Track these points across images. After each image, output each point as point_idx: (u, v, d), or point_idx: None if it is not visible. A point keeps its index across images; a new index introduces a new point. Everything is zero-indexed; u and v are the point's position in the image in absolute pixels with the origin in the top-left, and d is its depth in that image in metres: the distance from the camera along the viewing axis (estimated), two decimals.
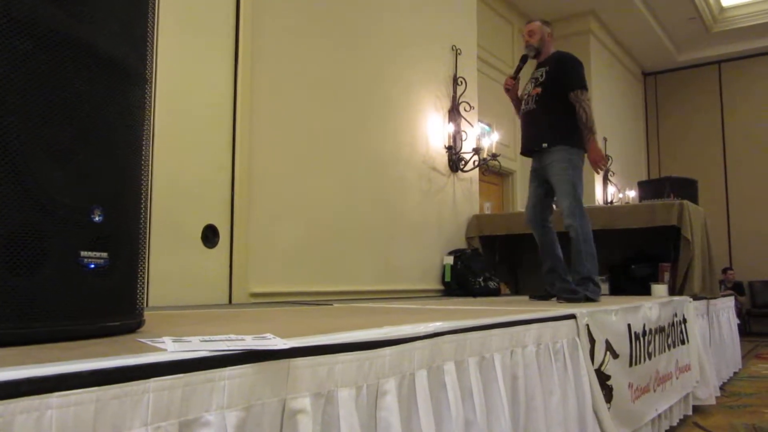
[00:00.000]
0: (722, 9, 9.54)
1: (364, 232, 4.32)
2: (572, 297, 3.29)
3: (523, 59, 3.69)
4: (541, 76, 3.57)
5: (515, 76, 3.66)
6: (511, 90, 3.71)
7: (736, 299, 6.68)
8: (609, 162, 3.78)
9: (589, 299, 3.26)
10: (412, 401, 1.36)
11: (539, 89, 3.54)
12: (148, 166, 1.39)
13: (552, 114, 3.50)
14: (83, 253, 1.14)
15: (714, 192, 10.04)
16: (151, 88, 1.38)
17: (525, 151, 3.70)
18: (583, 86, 3.46)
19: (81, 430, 0.76)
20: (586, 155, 3.49)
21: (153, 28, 1.36)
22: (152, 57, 1.36)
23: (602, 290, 4.75)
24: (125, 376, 0.83)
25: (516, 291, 5.52)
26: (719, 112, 10.62)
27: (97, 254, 1.17)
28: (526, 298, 3.97)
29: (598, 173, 3.64)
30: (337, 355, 1.17)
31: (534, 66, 3.73)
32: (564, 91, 3.46)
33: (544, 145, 3.49)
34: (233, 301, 3.36)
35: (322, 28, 4.10)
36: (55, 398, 0.74)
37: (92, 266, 1.16)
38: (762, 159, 10.11)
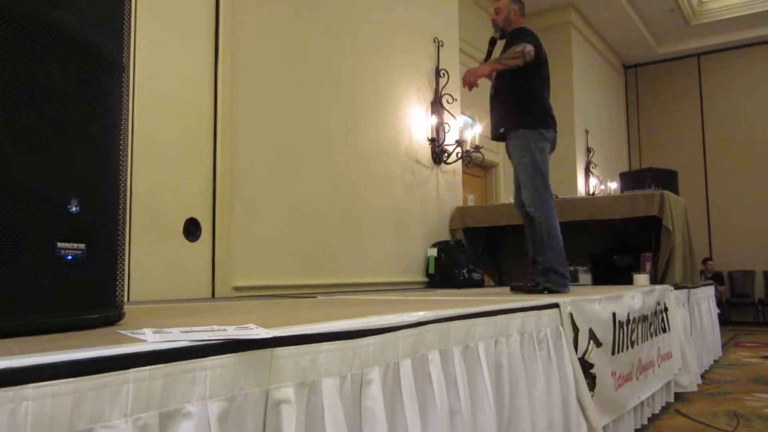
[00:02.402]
0: (701, 2, 9.63)
1: (348, 224, 4.31)
2: (531, 288, 3.17)
3: (492, 42, 3.50)
4: (490, 53, 3.44)
5: (486, 61, 3.45)
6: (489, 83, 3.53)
7: (716, 289, 6.77)
8: (471, 86, 3.30)
9: (550, 291, 3.10)
10: (396, 390, 1.35)
11: (481, 70, 3.35)
12: (127, 157, 1.36)
13: (509, 96, 3.35)
14: (60, 245, 1.11)
15: (694, 183, 10.16)
16: (128, 76, 1.35)
17: (492, 137, 3.57)
18: (526, 42, 3.21)
19: (58, 421, 0.75)
20: (548, 132, 3.31)
21: (129, 15, 1.34)
22: (129, 44, 1.33)
23: (584, 280, 4.81)
24: (103, 366, 0.81)
25: (500, 282, 5.54)
26: (698, 104, 10.73)
27: (75, 245, 1.15)
28: (508, 289, 3.98)
29: (463, 85, 3.28)
30: (320, 344, 1.16)
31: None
32: (513, 72, 3.25)
33: (501, 130, 3.36)
34: (216, 295, 3.33)
35: (304, 18, 4.07)
36: (31, 389, 0.72)
37: (69, 258, 1.13)
38: (740, 150, 10.24)
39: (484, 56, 3.52)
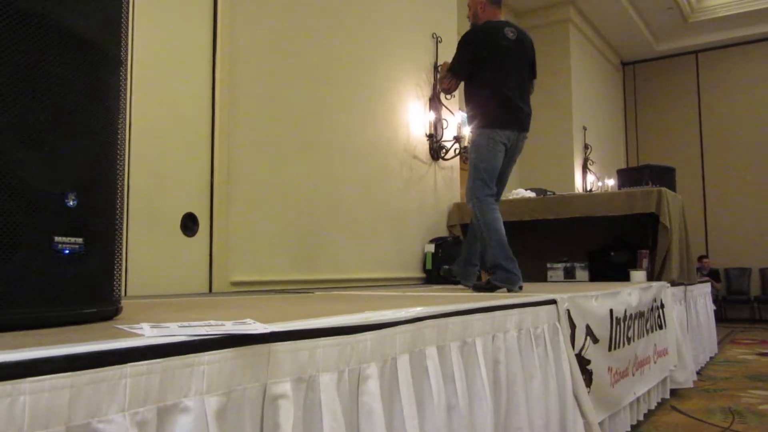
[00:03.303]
0: None
1: (346, 220, 4.31)
2: (480, 286, 3.15)
3: None
4: None
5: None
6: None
7: (712, 286, 6.79)
8: (526, 129, 3.31)
9: (498, 288, 3.03)
10: (394, 386, 1.36)
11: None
12: (125, 151, 1.36)
13: (469, 97, 3.36)
14: (57, 239, 1.11)
15: (691, 180, 10.17)
16: (126, 70, 1.35)
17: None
18: (450, 68, 3.33)
19: (55, 416, 0.75)
20: (501, 131, 3.19)
21: (127, 9, 1.33)
22: (127, 38, 1.33)
23: (581, 277, 4.81)
24: (101, 361, 0.81)
25: None
26: (696, 101, 10.74)
27: (72, 240, 1.14)
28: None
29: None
30: (317, 339, 1.16)
31: None
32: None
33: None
34: (213, 290, 3.33)
35: (302, 13, 4.06)
36: (28, 384, 0.72)
37: (67, 252, 1.13)
38: (738, 147, 10.25)
39: None
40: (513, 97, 3.22)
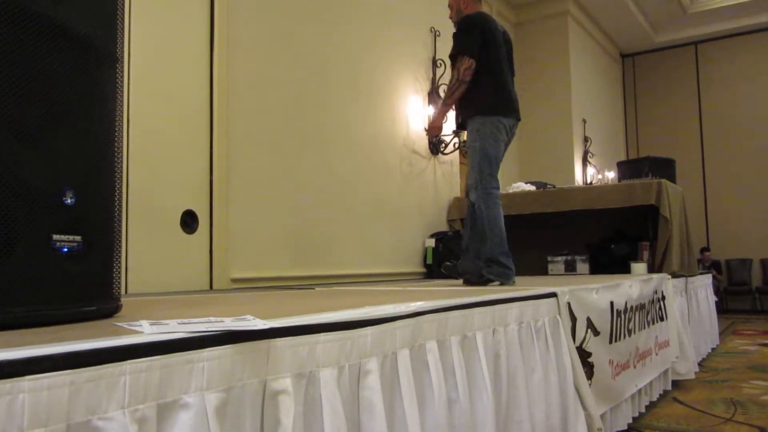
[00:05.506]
0: None
1: (346, 215, 4.31)
2: (474, 280, 3.14)
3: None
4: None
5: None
6: None
7: (714, 277, 6.78)
8: (438, 134, 3.25)
9: (491, 281, 3.06)
10: (394, 380, 1.36)
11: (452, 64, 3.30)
12: (123, 149, 1.36)
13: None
14: (56, 237, 1.11)
15: (691, 171, 10.16)
16: (123, 67, 1.34)
17: (456, 127, 3.54)
18: (462, 50, 3.12)
19: (55, 413, 0.75)
20: (505, 118, 3.17)
21: (123, 5, 1.33)
22: (123, 35, 1.32)
23: (582, 270, 4.81)
24: (100, 358, 0.81)
25: None
26: (696, 93, 10.71)
27: (71, 237, 1.14)
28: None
29: (429, 137, 3.29)
30: (317, 335, 1.16)
31: None
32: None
33: (459, 120, 3.31)
34: (213, 287, 3.33)
35: (299, 9, 4.05)
36: (27, 382, 0.72)
37: (65, 250, 1.13)
38: (737, 138, 10.23)
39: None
40: (509, 85, 3.23)
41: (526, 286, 2.77)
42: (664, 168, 5.17)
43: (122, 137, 1.34)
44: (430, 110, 5.26)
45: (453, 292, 2.37)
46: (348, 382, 1.22)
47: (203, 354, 0.94)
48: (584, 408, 2.24)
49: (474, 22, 3.21)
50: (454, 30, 3.28)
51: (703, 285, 5.32)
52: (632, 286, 3.12)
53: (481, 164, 3.12)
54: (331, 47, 4.31)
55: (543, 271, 4.98)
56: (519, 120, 3.29)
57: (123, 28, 1.33)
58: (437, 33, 5.48)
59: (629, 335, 2.94)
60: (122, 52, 1.32)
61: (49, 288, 1.10)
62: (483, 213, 3.11)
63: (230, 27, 3.52)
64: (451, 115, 3.49)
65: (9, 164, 1.02)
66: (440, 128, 3.42)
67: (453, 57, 3.19)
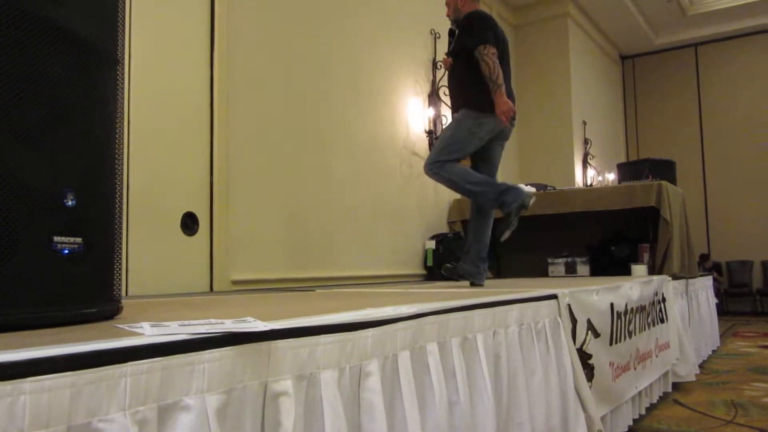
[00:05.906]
0: None
1: (346, 217, 4.31)
2: (451, 269, 3.25)
3: (451, 34, 3.41)
4: (451, 44, 3.36)
5: (449, 54, 3.38)
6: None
7: (715, 279, 6.77)
8: (513, 117, 3.17)
9: (461, 278, 3.27)
10: (395, 382, 1.36)
11: (450, 58, 3.31)
12: (123, 151, 1.36)
13: (459, 80, 3.27)
14: (56, 239, 1.11)
15: (692, 173, 10.16)
16: (123, 69, 1.35)
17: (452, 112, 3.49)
18: (482, 41, 3.10)
19: (56, 415, 0.75)
20: (492, 117, 3.12)
21: (123, 7, 1.33)
22: (123, 37, 1.32)
23: (582, 271, 4.81)
24: (101, 360, 0.81)
25: (498, 275, 5.54)
26: (696, 94, 10.72)
27: (72, 239, 1.14)
28: (509, 281, 3.99)
29: (506, 125, 3.16)
30: (318, 336, 1.16)
31: None
32: (467, 54, 3.16)
33: (453, 113, 3.31)
34: (214, 289, 3.33)
35: (299, 9, 4.05)
36: (29, 384, 0.72)
37: (66, 252, 1.13)
38: (738, 140, 10.23)
39: (447, 50, 3.43)
40: (508, 86, 3.21)
41: (526, 287, 2.77)
42: (665, 170, 5.17)
43: (123, 139, 1.35)
44: (430, 112, 5.26)
45: (453, 294, 2.37)
46: (349, 383, 1.22)
47: (204, 356, 0.94)
48: (584, 410, 2.24)
49: (485, 18, 3.25)
50: (450, 28, 3.31)
51: (704, 287, 5.32)
52: (632, 287, 3.12)
53: (444, 149, 3.13)
54: (332, 48, 4.31)
55: (543, 272, 4.98)
56: (514, 119, 3.25)
57: (123, 30, 1.33)
58: (437, 35, 5.49)
59: (630, 337, 2.94)
60: (123, 53, 1.32)
61: (49, 290, 1.10)
62: (443, 179, 3.11)
63: (230, 28, 3.53)
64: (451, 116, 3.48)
65: (10, 166, 1.02)
66: (511, 107, 3.18)
67: (455, 53, 3.22)
